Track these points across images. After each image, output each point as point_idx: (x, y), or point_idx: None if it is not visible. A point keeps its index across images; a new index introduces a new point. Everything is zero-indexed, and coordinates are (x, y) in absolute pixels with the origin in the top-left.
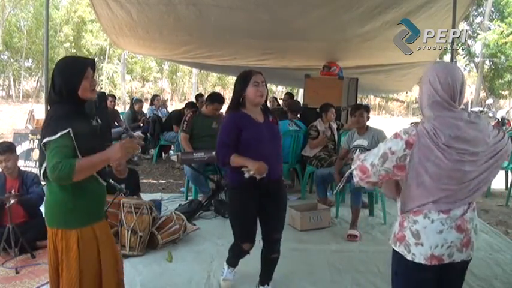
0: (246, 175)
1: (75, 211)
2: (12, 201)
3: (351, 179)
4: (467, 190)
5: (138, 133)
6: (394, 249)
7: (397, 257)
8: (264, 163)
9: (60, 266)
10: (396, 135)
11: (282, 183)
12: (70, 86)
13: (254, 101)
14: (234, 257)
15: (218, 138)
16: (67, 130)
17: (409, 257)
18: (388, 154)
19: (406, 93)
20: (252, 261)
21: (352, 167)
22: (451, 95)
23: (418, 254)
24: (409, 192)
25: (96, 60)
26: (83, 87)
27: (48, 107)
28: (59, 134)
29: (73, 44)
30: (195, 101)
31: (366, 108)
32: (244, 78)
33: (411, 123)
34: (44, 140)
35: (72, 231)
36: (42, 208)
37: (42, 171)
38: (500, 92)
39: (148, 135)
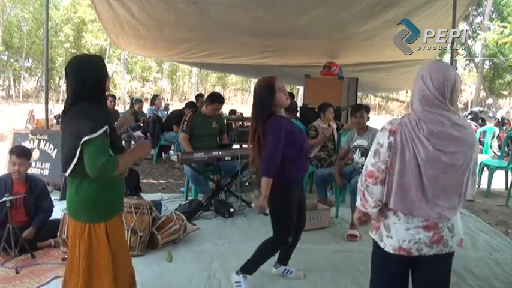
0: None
1: (103, 205)
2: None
3: (350, 178)
4: (440, 191)
5: (138, 133)
6: (371, 237)
7: (373, 241)
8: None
9: (89, 258)
10: (381, 129)
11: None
12: (102, 82)
13: (284, 105)
14: (266, 258)
15: (269, 146)
16: (105, 128)
17: (381, 245)
18: (379, 148)
19: (406, 92)
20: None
21: (360, 183)
22: (441, 92)
23: (388, 245)
24: (389, 184)
25: None
26: (107, 84)
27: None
28: (100, 132)
29: (73, 44)
30: (195, 100)
31: (366, 109)
32: (270, 87)
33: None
34: (85, 138)
35: (101, 224)
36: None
37: (71, 169)
38: (500, 92)
39: (148, 135)
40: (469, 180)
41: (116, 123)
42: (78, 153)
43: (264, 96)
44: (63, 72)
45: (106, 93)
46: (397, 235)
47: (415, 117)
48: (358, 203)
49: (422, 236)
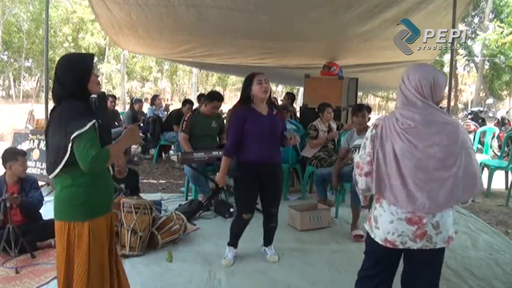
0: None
1: (87, 204)
2: (16, 196)
3: (350, 178)
4: (419, 184)
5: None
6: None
7: (367, 232)
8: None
9: (71, 258)
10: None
11: (280, 166)
12: (82, 81)
13: (259, 96)
14: (235, 234)
15: (227, 131)
16: (93, 122)
17: (371, 235)
18: (365, 141)
19: None
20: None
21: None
22: (419, 91)
23: (377, 236)
24: (375, 174)
25: (95, 60)
26: (92, 81)
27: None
28: (88, 126)
29: (72, 44)
30: (196, 100)
31: (368, 109)
32: (249, 78)
33: None
34: (75, 134)
35: (85, 223)
36: (41, 211)
37: (62, 166)
38: (500, 92)
39: (148, 135)
40: (462, 180)
41: (115, 123)
42: (69, 149)
43: (244, 86)
44: None
45: (92, 92)
46: (383, 227)
47: (395, 114)
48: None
49: (405, 230)
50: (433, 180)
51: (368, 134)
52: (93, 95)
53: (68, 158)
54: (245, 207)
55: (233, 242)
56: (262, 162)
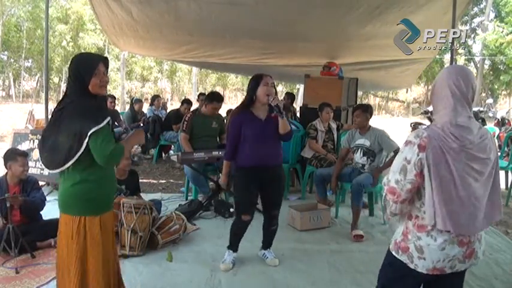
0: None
1: (97, 200)
2: (18, 196)
3: (350, 179)
4: (475, 203)
5: None
6: (391, 253)
7: (393, 257)
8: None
9: (85, 253)
10: (407, 142)
11: (280, 168)
12: (81, 82)
13: (262, 100)
14: (235, 236)
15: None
16: (108, 118)
17: (411, 266)
18: (406, 164)
19: (406, 91)
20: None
21: (383, 194)
22: (465, 96)
23: (421, 266)
24: (431, 204)
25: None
26: (93, 83)
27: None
28: (105, 122)
29: (71, 44)
30: (197, 99)
31: (370, 110)
32: (256, 79)
33: (411, 124)
34: (92, 130)
35: (96, 218)
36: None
37: (73, 161)
38: (499, 92)
39: (148, 135)
40: (497, 190)
41: (116, 123)
42: (85, 144)
43: (251, 86)
44: (62, 72)
45: (95, 92)
46: (431, 256)
47: (445, 128)
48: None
49: (456, 252)
50: (485, 196)
51: (410, 156)
52: None
53: (80, 154)
54: (244, 210)
55: (233, 245)
56: (260, 165)
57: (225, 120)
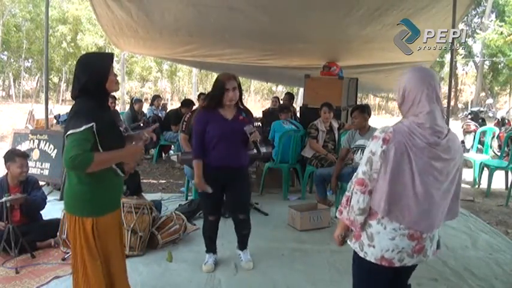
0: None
1: (92, 201)
2: (18, 196)
3: (350, 179)
4: (432, 201)
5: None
6: (349, 243)
7: (354, 251)
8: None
9: (81, 252)
10: (374, 137)
11: (244, 171)
12: (99, 80)
13: (226, 104)
14: (208, 238)
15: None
16: (91, 124)
17: (361, 255)
18: (371, 156)
19: None
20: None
21: (348, 191)
22: (430, 95)
23: (370, 254)
24: (380, 192)
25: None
26: (110, 80)
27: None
28: (83, 128)
29: (72, 44)
30: (197, 99)
31: (368, 110)
32: (222, 83)
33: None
34: (68, 132)
35: (89, 219)
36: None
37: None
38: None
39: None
40: (459, 192)
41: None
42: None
43: (217, 88)
44: (62, 72)
45: (111, 89)
46: (380, 244)
47: (410, 125)
48: (337, 213)
49: (405, 245)
50: (443, 198)
51: (375, 148)
52: None
53: None
54: (207, 210)
55: (210, 248)
56: (223, 165)
57: None
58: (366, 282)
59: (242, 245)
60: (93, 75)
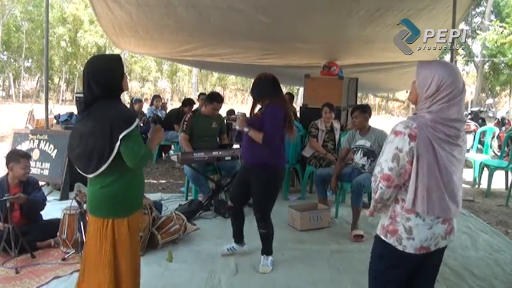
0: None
1: (126, 201)
2: (20, 195)
3: (350, 179)
4: (454, 188)
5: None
6: (380, 238)
7: (383, 243)
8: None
9: (118, 255)
10: (396, 132)
11: (260, 170)
12: (118, 80)
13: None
14: (232, 224)
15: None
16: (137, 121)
17: (400, 248)
18: (398, 153)
19: (406, 92)
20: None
21: (374, 184)
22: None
23: (409, 246)
24: (414, 189)
25: None
26: (125, 82)
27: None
28: (134, 126)
29: (71, 44)
30: (197, 99)
31: (368, 110)
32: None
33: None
34: (125, 132)
35: (125, 219)
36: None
37: (108, 163)
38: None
39: (149, 135)
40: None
41: None
42: (117, 148)
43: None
44: (62, 72)
45: (124, 89)
46: (420, 235)
47: (432, 120)
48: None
49: (441, 230)
50: (460, 178)
51: (401, 145)
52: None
53: (112, 158)
54: (230, 194)
55: (233, 234)
56: (243, 160)
57: (225, 121)
58: (395, 268)
59: (263, 248)
60: (114, 76)
